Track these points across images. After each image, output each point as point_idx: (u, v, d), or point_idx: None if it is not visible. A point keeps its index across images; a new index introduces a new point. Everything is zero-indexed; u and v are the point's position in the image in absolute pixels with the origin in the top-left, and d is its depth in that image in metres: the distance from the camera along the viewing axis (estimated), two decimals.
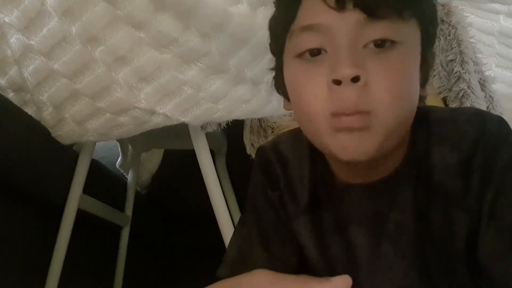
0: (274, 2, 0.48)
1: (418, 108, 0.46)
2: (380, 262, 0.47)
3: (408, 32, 0.42)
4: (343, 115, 0.40)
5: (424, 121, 0.47)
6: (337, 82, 0.39)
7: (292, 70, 0.45)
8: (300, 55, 0.43)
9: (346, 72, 0.39)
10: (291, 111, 0.49)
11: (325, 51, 0.42)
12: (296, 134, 0.55)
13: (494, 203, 0.43)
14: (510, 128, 0.45)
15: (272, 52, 0.51)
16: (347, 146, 0.41)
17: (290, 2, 0.44)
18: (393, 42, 0.40)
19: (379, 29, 0.40)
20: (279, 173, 0.54)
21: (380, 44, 0.40)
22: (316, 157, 0.52)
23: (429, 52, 0.46)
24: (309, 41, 0.42)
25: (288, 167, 0.54)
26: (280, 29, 0.46)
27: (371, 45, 0.40)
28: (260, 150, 0.57)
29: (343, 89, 0.39)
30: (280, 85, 0.50)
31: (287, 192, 0.53)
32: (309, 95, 0.42)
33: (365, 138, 0.40)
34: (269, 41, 0.51)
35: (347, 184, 0.49)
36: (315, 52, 0.42)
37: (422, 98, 0.48)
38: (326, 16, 0.41)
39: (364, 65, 0.39)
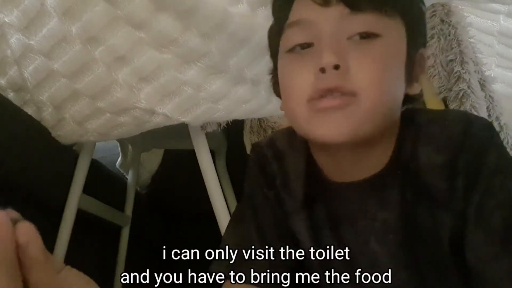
0: (272, 9, 0.52)
1: (407, 109, 0.48)
2: (368, 261, 0.48)
3: (390, 27, 0.44)
4: (325, 93, 0.42)
5: (412, 122, 0.48)
6: (323, 70, 0.42)
7: (283, 63, 0.48)
8: (291, 50, 0.47)
9: (328, 59, 0.42)
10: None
11: (313, 44, 0.45)
12: (291, 131, 0.55)
13: (481, 205, 0.43)
14: (495, 131, 0.46)
15: (271, 56, 0.54)
16: (324, 127, 0.43)
17: (284, 4, 0.48)
18: (375, 35, 0.43)
19: (361, 22, 0.43)
20: (275, 170, 0.54)
21: (365, 36, 0.43)
22: (308, 154, 0.52)
23: (415, 51, 0.47)
24: (297, 35, 0.46)
25: (284, 162, 0.54)
26: (275, 30, 0.50)
27: (356, 37, 0.43)
28: (256, 147, 0.58)
29: (327, 75, 0.42)
30: (276, 85, 0.52)
31: (283, 189, 0.53)
32: (295, 84, 0.45)
33: (343, 118, 0.42)
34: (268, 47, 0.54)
35: (336, 182, 0.49)
36: (305, 46, 0.45)
37: (412, 97, 0.48)
38: (312, 12, 0.44)
39: (346, 55, 0.42)
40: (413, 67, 0.47)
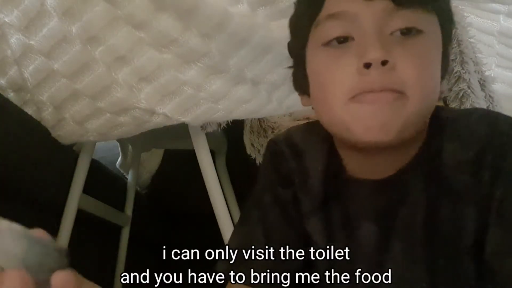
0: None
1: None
2: (386, 257, 0.47)
3: (430, 24, 0.44)
4: (370, 93, 0.41)
5: (438, 119, 0.48)
6: (367, 66, 0.40)
7: (319, 58, 0.46)
8: (327, 43, 0.44)
9: (376, 55, 0.40)
10: (292, 112, 0.49)
11: (352, 38, 0.43)
12: (309, 127, 0.54)
13: (502, 201, 0.43)
14: None
15: (292, 49, 0.52)
16: (370, 124, 0.41)
17: None
18: (418, 31, 0.42)
19: (405, 18, 0.42)
20: (293, 167, 0.53)
21: (406, 32, 0.42)
22: (329, 151, 0.51)
23: (448, 47, 0.47)
24: (337, 28, 0.44)
25: (304, 159, 0.53)
26: (305, 21, 0.47)
27: (397, 33, 0.42)
28: (272, 143, 0.56)
29: (372, 71, 0.40)
30: (299, 80, 0.51)
31: (301, 188, 0.52)
32: (335, 82, 0.43)
33: (390, 115, 0.41)
34: (288, 39, 0.52)
35: (359, 179, 0.49)
36: (342, 40, 0.43)
37: (440, 94, 0.48)
38: (354, 4, 0.42)
39: (392, 50, 0.41)
40: (447, 64, 0.47)
